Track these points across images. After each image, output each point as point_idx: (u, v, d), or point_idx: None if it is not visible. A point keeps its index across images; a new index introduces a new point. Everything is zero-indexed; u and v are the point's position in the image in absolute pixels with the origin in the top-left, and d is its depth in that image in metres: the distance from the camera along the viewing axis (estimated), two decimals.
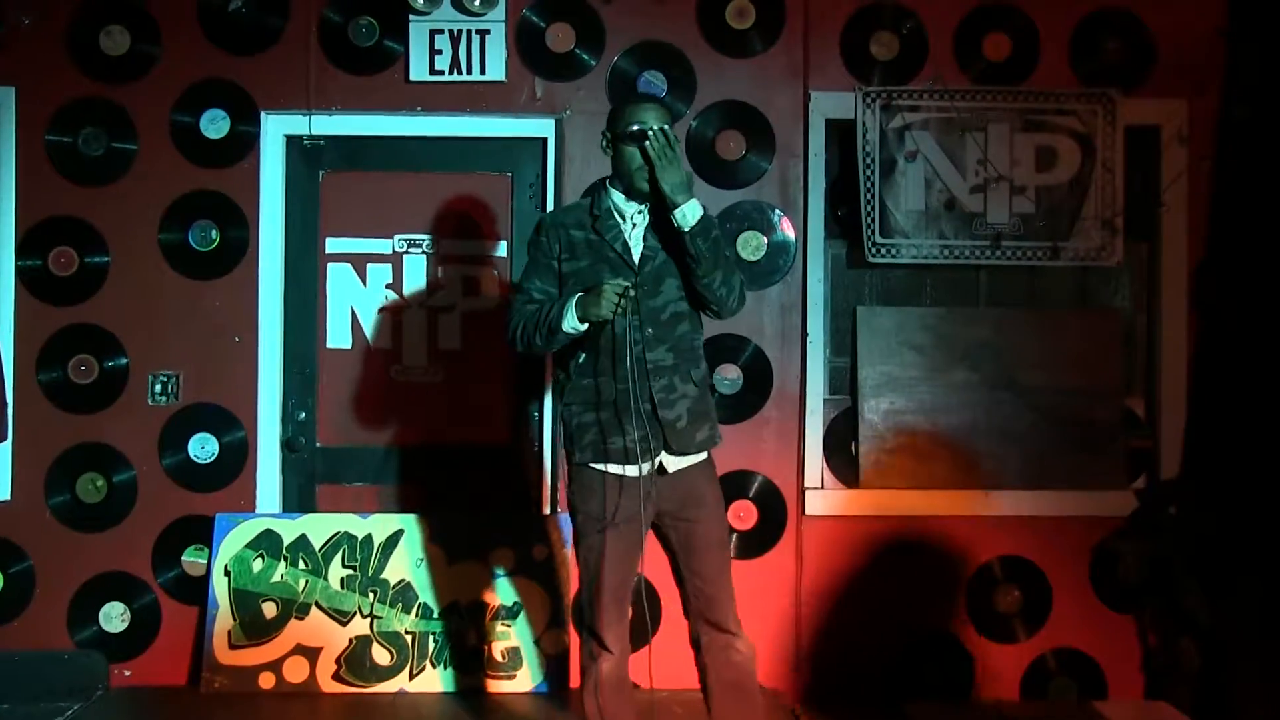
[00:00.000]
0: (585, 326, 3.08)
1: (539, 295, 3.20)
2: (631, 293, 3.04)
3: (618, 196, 3.20)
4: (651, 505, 3.15)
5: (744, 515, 4.22)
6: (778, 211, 4.24)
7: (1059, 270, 4.28)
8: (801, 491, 4.22)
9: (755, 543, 4.24)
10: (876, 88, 4.19)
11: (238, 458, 4.24)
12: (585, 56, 4.23)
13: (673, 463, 3.18)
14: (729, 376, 4.23)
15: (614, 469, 3.16)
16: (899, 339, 4.24)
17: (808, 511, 4.21)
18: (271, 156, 4.26)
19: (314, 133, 4.26)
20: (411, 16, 4.16)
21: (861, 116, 4.18)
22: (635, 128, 3.07)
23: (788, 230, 4.23)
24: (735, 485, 4.18)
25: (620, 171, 3.16)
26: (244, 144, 4.22)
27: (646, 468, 3.13)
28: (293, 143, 4.32)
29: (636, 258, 3.18)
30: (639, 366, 3.10)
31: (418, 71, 4.20)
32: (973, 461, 4.21)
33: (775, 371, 4.24)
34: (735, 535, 4.18)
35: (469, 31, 4.18)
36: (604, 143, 3.18)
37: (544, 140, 4.27)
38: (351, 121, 4.26)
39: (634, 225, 3.19)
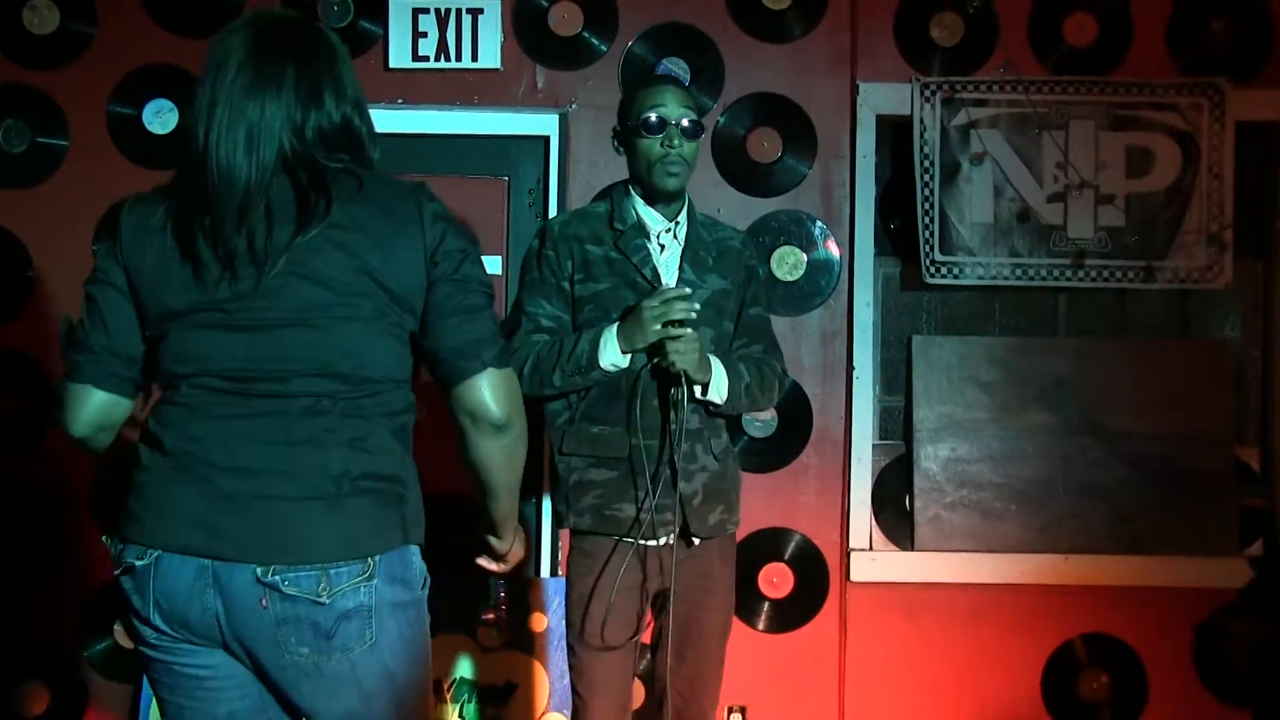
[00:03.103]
0: (628, 362, 2.75)
1: (548, 323, 2.84)
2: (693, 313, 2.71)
3: (643, 207, 2.84)
4: (654, 582, 2.87)
5: (778, 581, 3.94)
6: (819, 224, 3.96)
7: (1154, 294, 4.05)
8: (846, 554, 3.95)
9: (792, 613, 3.95)
10: (937, 78, 3.94)
11: None
12: (594, 41, 3.92)
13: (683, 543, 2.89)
14: (762, 418, 3.96)
15: (617, 537, 2.85)
16: (962, 374, 4.01)
17: (853, 577, 3.94)
18: None
19: None
20: None
21: (919, 112, 3.93)
22: (654, 117, 2.75)
23: (831, 246, 3.97)
24: (769, 545, 3.92)
25: (638, 172, 2.81)
26: None
27: (657, 542, 2.83)
28: None
29: None
30: (674, 418, 2.76)
31: (399, 58, 3.89)
32: (1050, 520, 3.97)
33: (815, 411, 3.95)
34: (768, 605, 3.93)
35: (459, 11, 3.88)
36: (614, 140, 2.88)
37: (546, 138, 3.96)
38: None
39: (662, 248, 2.87)
